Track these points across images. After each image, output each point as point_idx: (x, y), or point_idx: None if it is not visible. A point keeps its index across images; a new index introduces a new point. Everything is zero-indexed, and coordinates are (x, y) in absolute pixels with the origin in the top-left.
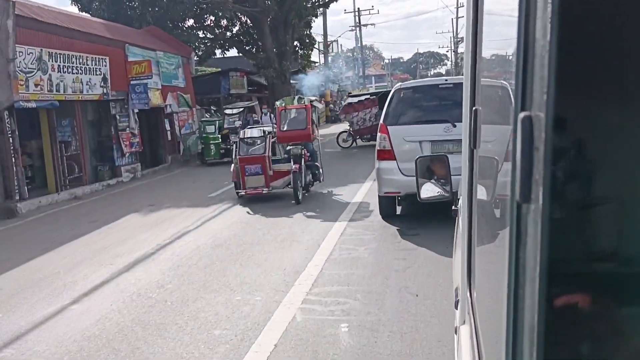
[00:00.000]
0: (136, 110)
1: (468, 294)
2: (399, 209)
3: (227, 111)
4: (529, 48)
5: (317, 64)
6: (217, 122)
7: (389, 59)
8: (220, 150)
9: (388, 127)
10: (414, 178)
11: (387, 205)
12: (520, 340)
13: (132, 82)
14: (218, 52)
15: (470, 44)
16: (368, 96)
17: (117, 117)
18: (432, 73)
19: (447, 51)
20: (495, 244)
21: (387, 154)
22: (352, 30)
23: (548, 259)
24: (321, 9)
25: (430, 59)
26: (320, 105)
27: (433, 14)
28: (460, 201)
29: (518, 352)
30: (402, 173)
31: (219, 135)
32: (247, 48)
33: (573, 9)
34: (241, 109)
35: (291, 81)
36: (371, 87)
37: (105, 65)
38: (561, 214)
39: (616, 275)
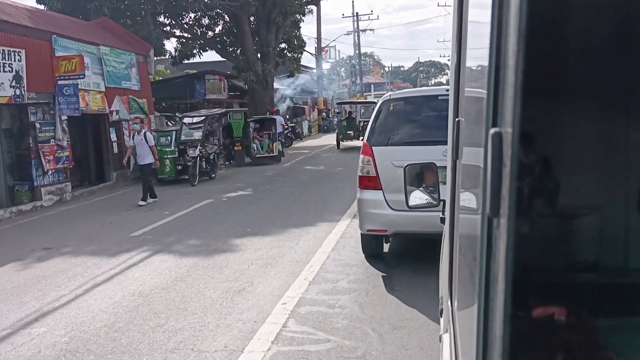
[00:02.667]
0: (64, 118)
1: (449, 303)
2: (386, 247)
3: (186, 120)
4: (500, 66)
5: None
6: (174, 132)
7: (389, 67)
8: (177, 166)
9: (373, 147)
10: (405, 212)
11: (371, 245)
12: (490, 350)
13: (59, 83)
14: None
15: (455, 55)
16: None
17: (37, 125)
18: (432, 82)
19: (449, 60)
20: (472, 255)
21: (371, 182)
22: (348, 34)
23: (514, 272)
24: (311, 7)
25: (431, 68)
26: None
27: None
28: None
29: None
30: (389, 206)
31: (176, 149)
32: (230, 49)
33: (539, 33)
34: (203, 118)
35: (276, 86)
36: (370, 95)
37: (20, 60)
38: (527, 228)
39: (581, 285)
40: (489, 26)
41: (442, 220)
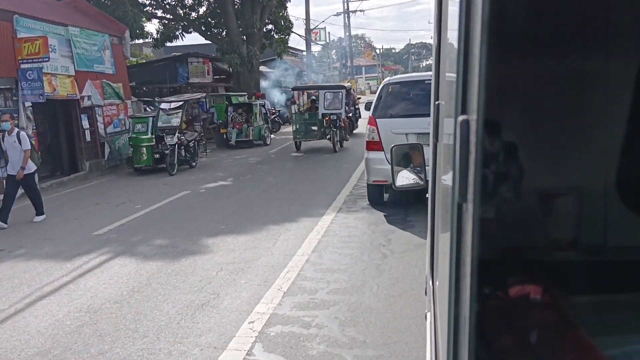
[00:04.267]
0: (28, 104)
1: (431, 282)
2: (385, 196)
3: (163, 105)
4: (468, 52)
5: (300, 52)
6: (151, 119)
7: (380, 49)
8: (154, 154)
9: (377, 119)
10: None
11: (375, 193)
12: (460, 330)
13: (22, 67)
14: (184, 35)
15: (435, 39)
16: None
17: None
18: (424, 64)
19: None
20: (448, 238)
21: (375, 145)
22: (337, 15)
23: (480, 257)
24: None
25: (422, 49)
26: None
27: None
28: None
29: (459, 342)
30: (389, 163)
31: (153, 136)
32: (215, 31)
33: (506, 16)
34: (181, 103)
35: (262, 69)
36: (361, 77)
37: None
38: (496, 213)
39: (559, 263)
40: (458, 8)
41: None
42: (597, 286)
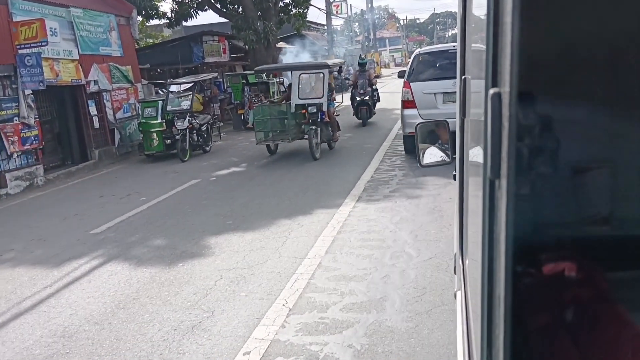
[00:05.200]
0: (28, 92)
1: (460, 261)
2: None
3: (173, 88)
4: (499, 21)
5: (321, 27)
6: (160, 103)
7: (404, 20)
8: (165, 140)
9: (410, 83)
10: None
11: (410, 143)
12: (494, 309)
13: (19, 52)
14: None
15: (460, 10)
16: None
17: None
18: (449, 34)
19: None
20: (478, 215)
21: (410, 104)
22: None
23: (518, 232)
24: None
25: (448, 19)
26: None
27: None
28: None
29: (493, 322)
30: (420, 117)
31: (163, 121)
32: (231, 8)
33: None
34: (191, 84)
35: (281, 45)
36: (385, 50)
37: None
38: (529, 189)
39: (594, 239)
40: None
41: (455, 177)
42: (634, 261)
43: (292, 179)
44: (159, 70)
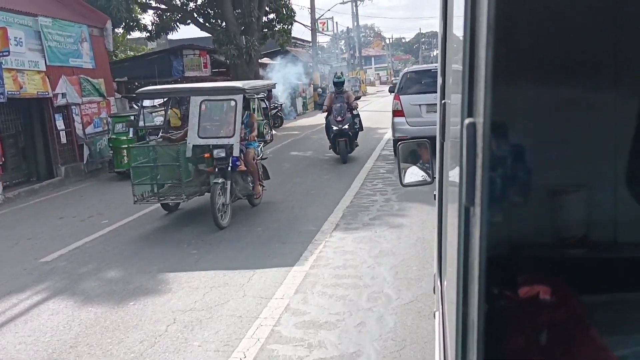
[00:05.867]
0: None
1: (439, 282)
2: None
3: (146, 102)
4: (474, 55)
5: (307, 43)
6: (132, 118)
7: (390, 39)
8: None
9: (400, 96)
10: (417, 128)
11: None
12: (468, 333)
13: None
14: (178, 26)
15: (441, 37)
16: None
17: None
18: (434, 54)
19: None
20: (455, 239)
21: (399, 113)
22: (344, 3)
23: (488, 260)
24: None
25: (433, 39)
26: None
27: None
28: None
29: (467, 345)
30: (408, 124)
31: (135, 137)
32: (214, 22)
33: (509, 27)
34: (165, 99)
35: (265, 61)
36: (370, 68)
37: None
38: (502, 216)
39: (569, 261)
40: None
41: (435, 197)
42: (607, 284)
43: (267, 200)
44: (136, 83)
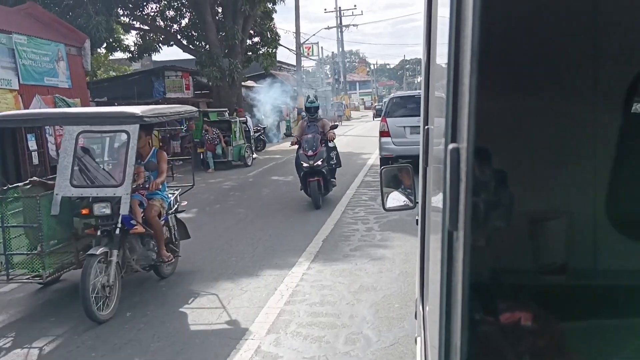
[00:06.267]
0: None
1: (421, 307)
2: None
3: None
4: (458, 82)
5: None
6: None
7: (374, 64)
8: None
9: (387, 118)
10: (402, 147)
11: (384, 162)
12: (451, 358)
13: None
14: (160, 47)
15: (424, 63)
16: None
17: None
18: (418, 80)
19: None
20: (438, 264)
21: (385, 134)
22: (328, 29)
23: (471, 284)
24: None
25: (417, 65)
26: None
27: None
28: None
29: None
30: (393, 144)
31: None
32: (197, 44)
33: (492, 53)
34: None
35: (249, 84)
36: (355, 93)
37: None
38: (485, 241)
39: (550, 288)
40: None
41: (417, 222)
42: (587, 311)
43: (244, 229)
44: (116, 104)
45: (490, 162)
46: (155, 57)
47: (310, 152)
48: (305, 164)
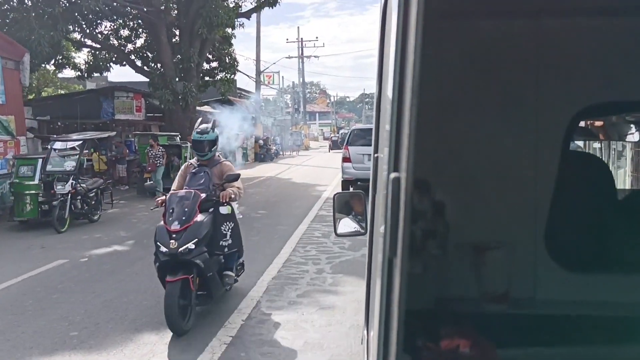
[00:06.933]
0: None
1: (366, 332)
2: (351, 189)
3: (57, 145)
4: (402, 112)
5: (250, 94)
6: (40, 161)
7: (334, 96)
8: (42, 205)
9: (349, 147)
10: (361, 172)
11: (346, 186)
12: None
13: None
14: (111, 66)
15: (376, 94)
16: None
17: None
18: None
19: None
20: (379, 289)
21: (347, 159)
22: (289, 58)
23: (408, 310)
24: (242, 21)
25: None
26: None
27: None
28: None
29: None
30: (353, 169)
31: (40, 183)
32: (153, 65)
33: (435, 85)
34: (80, 142)
35: (206, 109)
36: (314, 123)
37: None
38: (422, 268)
39: (489, 316)
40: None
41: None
42: (525, 339)
43: None
44: (59, 123)
45: (430, 192)
46: (111, 77)
47: (175, 225)
48: (163, 249)
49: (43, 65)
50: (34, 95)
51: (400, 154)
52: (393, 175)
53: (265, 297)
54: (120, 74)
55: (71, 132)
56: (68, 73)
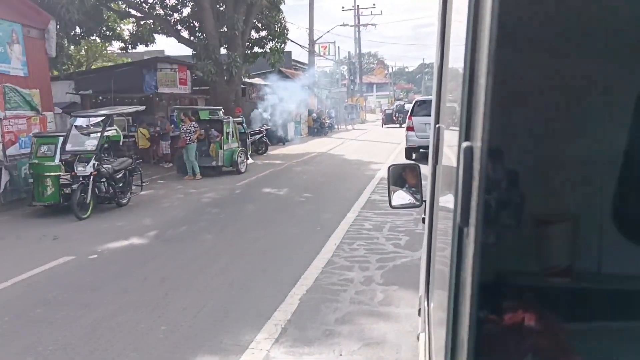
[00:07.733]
0: None
1: (425, 304)
2: (414, 155)
3: (79, 121)
4: (474, 81)
5: (305, 66)
6: (61, 139)
7: (393, 67)
8: (63, 188)
9: (413, 117)
10: (423, 140)
11: (409, 153)
12: (457, 353)
13: None
14: (154, 38)
15: (437, 62)
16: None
17: None
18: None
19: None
20: (446, 260)
21: (411, 129)
22: (344, 25)
23: (483, 279)
24: None
25: None
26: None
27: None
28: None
29: None
30: (416, 137)
31: (61, 163)
32: (199, 35)
33: (509, 55)
34: (103, 118)
35: (256, 81)
36: (372, 95)
37: None
38: (496, 237)
39: (554, 290)
40: (464, 36)
41: (423, 220)
42: (590, 313)
43: (205, 267)
44: (100, 97)
45: (503, 162)
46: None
47: None
48: None
49: (92, 37)
50: (73, 68)
51: (472, 123)
52: (465, 144)
53: (294, 321)
54: (167, 46)
55: (61, 109)
56: (117, 46)
